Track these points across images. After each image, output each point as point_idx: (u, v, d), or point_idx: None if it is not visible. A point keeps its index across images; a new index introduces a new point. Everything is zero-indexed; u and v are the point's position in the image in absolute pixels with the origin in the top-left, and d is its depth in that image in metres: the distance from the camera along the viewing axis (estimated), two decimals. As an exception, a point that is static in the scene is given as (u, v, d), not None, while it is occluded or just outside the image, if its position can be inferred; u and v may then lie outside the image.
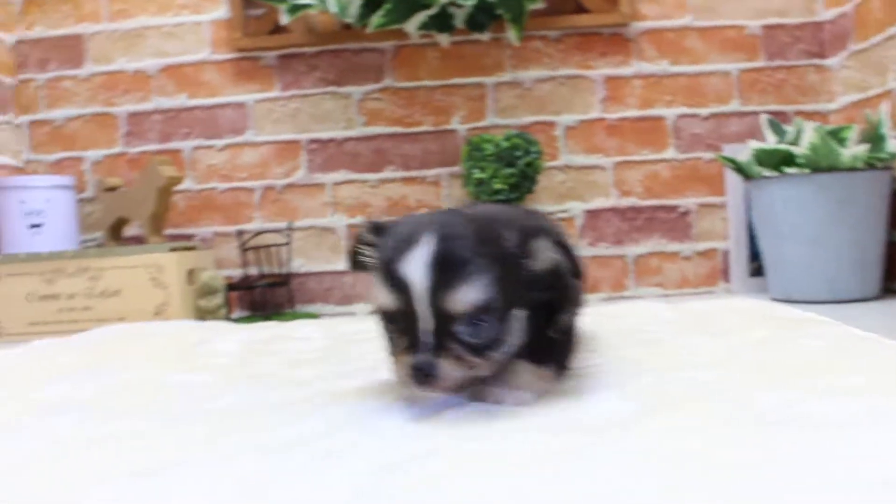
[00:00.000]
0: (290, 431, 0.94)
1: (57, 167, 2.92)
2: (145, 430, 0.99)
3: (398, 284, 0.92)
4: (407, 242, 0.94)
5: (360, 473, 0.76)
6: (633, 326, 1.73)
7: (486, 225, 0.99)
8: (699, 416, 0.92)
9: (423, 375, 0.91)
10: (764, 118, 2.50)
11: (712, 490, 0.66)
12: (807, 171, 2.29)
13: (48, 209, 2.67)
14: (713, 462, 0.73)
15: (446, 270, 0.91)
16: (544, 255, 0.99)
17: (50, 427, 1.02)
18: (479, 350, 0.94)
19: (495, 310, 0.93)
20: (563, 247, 1.00)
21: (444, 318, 0.92)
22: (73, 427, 1.02)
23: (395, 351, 0.97)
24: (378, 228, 1.04)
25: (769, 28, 2.79)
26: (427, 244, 0.92)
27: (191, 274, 2.61)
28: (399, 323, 0.95)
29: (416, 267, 0.91)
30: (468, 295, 0.91)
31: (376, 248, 1.01)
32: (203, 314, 2.57)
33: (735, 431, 0.84)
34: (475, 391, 1.04)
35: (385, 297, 0.94)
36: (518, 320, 0.98)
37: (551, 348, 1.07)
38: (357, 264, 1.07)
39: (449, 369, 0.92)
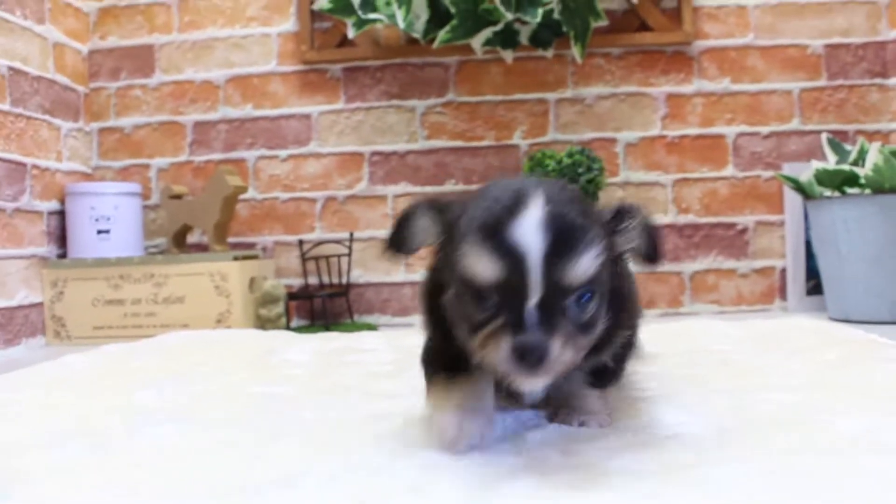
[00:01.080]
0: (390, 445, 0.97)
1: (123, 174, 3.00)
2: (246, 441, 1.03)
3: (504, 250, 0.79)
4: (511, 205, 0.82)
5: (469, 487, 0.79)
6: (701, 346, 1.75)
7: (578, 195, 0.90)
8: (778, 440, 0.94)
9: (532, 358, 0.78)
10: (824, 137, 2.51)
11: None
12: (868, 191, 2.29)
13: (115, 215, 2.74)
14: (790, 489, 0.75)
15: (565, 236, 0.80)
16: (634, 239, 0.91)
17: (155, 437, 1.07)
18: (583, 329, 0.84)
19: (600, 283, 0.84)
20: (651, 222, 0.92)
21: (556, 291, 0.80)
22: (177, 437, 1.07)
23: (487, 332, 0.82)
24: (441, 205, 0.92)
25: (832, 47, 2.78)
26: (539, 206, 0.81)
27: (252, 282, 2.67)
28: (496, 297, 0.81)
29: (531, 230, 0.79)
30: (587, 265, 0.80)
31: (446, 226, 0.90)
32: (264, 323, 2.63)
33: (816, 458, 0.86)
34: (556, 412, 1.06)
35: (483, 266, 0.80)
36: (605, 301, 0.88)
37: (610, 366, 1.00)
38: (401, 245, 0.93)
39: (560, 351, 0.79)
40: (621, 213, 0.90)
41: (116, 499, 0.78)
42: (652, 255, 0.92)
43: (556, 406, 1.07)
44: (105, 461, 0.93)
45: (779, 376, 1.37)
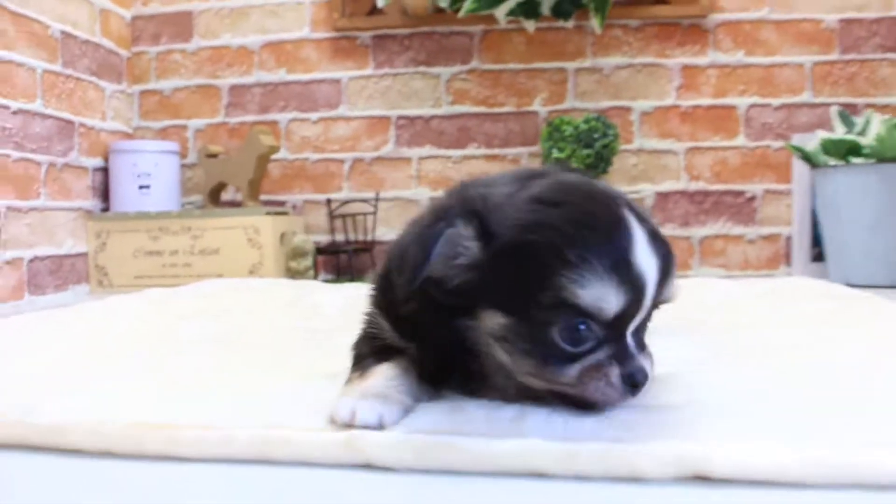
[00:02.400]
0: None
1: (162, 134, 3.16)
2: (285, 359, 1.19)
3: (632, 280, 0.74)
4: (608, 224, 0.75)
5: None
6: (702, 298, 1.89)
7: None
8: (753, 361, 1.09)
9: (641, 384, 0.77)
10: (834, 110, 2.61)
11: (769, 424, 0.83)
12: (872, 160, 2.40)
13: (155, 172, 2.91)
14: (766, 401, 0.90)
15: (668, 255, 0.79)
16: None
17: (201, 356, 1.23)
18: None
19: None
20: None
21: (650, 312, 0.80)
22: (222, 357, 1.23)
23: (590, 364, 0.76)
24: (479, 216, 0.78)
25: (846, 22, 2.88)
26: (636, 226, 0.76)
27: (283, 237, 2.82)
28: (604, 328, 0.76)
29: (649, 255, 0.75)
30: (672, 288, 0.80)
31: (487, 242, 0.77)
32: (293, 274, 2.79)
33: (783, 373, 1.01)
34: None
35: (612, 298, 0.74)
36: None
37: None
38: (424, 279, 0.77)
39: (650, 368, 0.79)
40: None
41: (169, 404, 0.92)
42: None
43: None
44: (156, 376, 1.07)
45: (772, 318, 1.52)
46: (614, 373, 0.75)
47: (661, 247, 0.77)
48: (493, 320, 0.77)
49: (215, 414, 0.84)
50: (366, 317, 0.94)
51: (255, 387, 0.98)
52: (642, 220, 0.77)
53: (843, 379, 0.97)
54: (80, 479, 0.73)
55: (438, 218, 0.78)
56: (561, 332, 0.75)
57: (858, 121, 2.54)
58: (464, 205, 0.78)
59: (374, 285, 0.94)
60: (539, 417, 0.78)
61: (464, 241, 0.77)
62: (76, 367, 1.13)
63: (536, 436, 0.73)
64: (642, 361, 0.77)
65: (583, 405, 0.78)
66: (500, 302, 0.77)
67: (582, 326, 0.75)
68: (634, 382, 0.76)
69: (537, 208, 0.76)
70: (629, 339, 0.77)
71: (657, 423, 0.77)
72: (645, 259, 0.74)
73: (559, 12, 2.76)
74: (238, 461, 0.75)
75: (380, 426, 0.75)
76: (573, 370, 0.76)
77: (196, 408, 0.88)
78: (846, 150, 2.46)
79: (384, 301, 0.91)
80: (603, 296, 0.73)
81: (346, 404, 0.77)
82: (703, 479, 0.67)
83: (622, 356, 0.76)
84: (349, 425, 0.75)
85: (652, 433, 0.74)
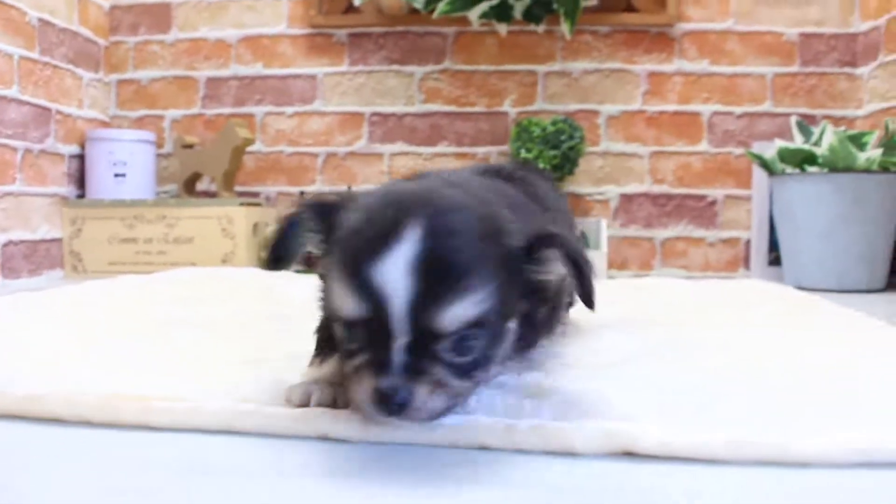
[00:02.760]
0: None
1: (139, 123, 3.20)
2: (261, 337, 1.25)
3: (368, 290, 0.73)
4: (381, 232, 0.74)
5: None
6: (659, 295, 1.97)
7: (490, 214, 0.82)
8: (696, 354, 1.17)
9: (393, 406, 0.73)
10: (794, 120, 2.71)
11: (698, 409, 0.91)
12: (825, 170, 2.50)
13: (131, 160, 2.95)
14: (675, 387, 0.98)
15: (437, 278, 0.73)
16: (557, 269, 0.83)
17: (184, 338, 1.29)
18: (465, 372, 0.77)
19: (490, 324, 0.77)
20: (577, 255, 0.82)
21: (426, 336, 0.74)
22: (205, 337, 1.29)
23: (354, 364, 0.77)
24: (325, 209, 0.84)
25: (806, 36, 2.98)
26: (414, 238, 0.73)
27: (256, 228, 2.88)
28: (362, 333, 0.76)
29: (395, 271, 0.72)
30: (463, 311, 0.74)
31: (329, 232, 0.82)
32: (265, 265, 2.83)
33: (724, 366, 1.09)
34: None
35: (346, 302, 0.75)
36: (511, 332, 0.83)
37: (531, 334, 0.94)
38: (280, 258, 0.88)
39: (427, 398, 0.74)
40: (538, 242, 0.81)
41: (143, 378, 0.98)
42: (582, 293, 0.83)
43: None
44: (131, 354, 1.14)
45: (714, 318, 1.60)
46: (368, 381, 0.74)
47: (429, 271, 0.72)
48: (327, 303, 0.84)
49: (186, 388, 0.91)
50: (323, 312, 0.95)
51: (224, 365, 1.05)
52: (433, 243, 0.73)
53: (775, 372, 1.05)
54: (57, 447, 0.79)
55: (301, 207, 0.86)
56: (334, 324, 0.82)
57: (815, 131, 2.64)
58: (315, 204, 0.85)
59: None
60: (483, 398, 0.85)
61: (310, 231, 0.85)
62: (53, 344, 1.19)
63: (480, 413, 0.81)
64: (406, 383, 0.73)
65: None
66: (326, 287, 0.83)
67: (342, 324, 0.78)
68: (383, 397, 0.73)
69: (356, 212, 0.80)
70: (398, 357, 0.73)
71: (590, 404, 0.85)
72: (390, 277, 0.72)
73: (531, 17, 2.83)
74: (206, 431, 0.82)
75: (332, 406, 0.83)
76: (349, 366, 0.78)
77: (168, 382, 0.94)
78: (801, 159, 2.55)
79: None
80: (341, 298, 0.75)
81: (298, 391, 0.86)
82: (630, 456, 0.75)
83: (381, 370, 0.73)
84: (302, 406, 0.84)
85: (585, 413, 0.81)
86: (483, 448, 0.77)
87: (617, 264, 3.00)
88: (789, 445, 0.74)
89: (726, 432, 0.76)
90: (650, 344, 1.25)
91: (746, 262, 3.01)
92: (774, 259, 2.93)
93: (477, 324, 0.75)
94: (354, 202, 0.82)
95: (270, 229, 2.83)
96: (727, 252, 3.01)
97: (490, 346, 0.78)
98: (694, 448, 0.74)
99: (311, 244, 0.85)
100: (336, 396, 0.84)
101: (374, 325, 0.73)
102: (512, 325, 0.82)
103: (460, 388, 0.77)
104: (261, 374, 0.98)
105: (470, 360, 0.77)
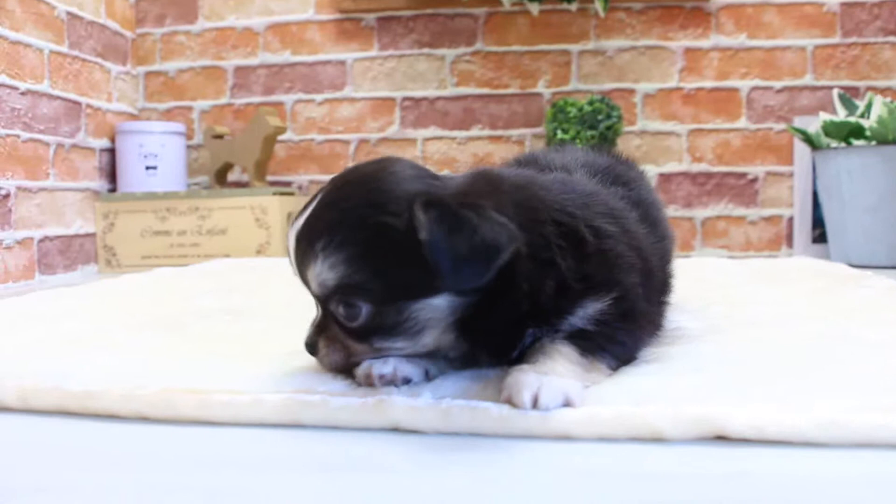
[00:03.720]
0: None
1: (168, 115, 3.17)
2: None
3: (289, 252, 0.87)
4: (305, 204, 0.87)
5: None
6: (705, 275, 1.92)
7: (382, 187, 0.82)
8: (755, 333, 1.12)
9: (309, 351, 0.89)
10: (836, 92, 2.63)
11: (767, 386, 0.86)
12: (873, 143, 2.42)
13: (162, 153, 2.93)
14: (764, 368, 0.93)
15: (307, 243, 0.82)
16: (422, 230, 0.77)
17: (219, 324, 1.26)
18: (360, 336, 0.83)
19: (368, 293, 0.79)
20: (434, 216, 0.77)
21: (316, 297, 0.85)
22: (238, 325, 1.26)
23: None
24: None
25: (847, 5, 2.90)
26: (308, 210, 0.85)
27: (290, 217, 2.84)
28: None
29: (291, 236, 0.85)
30: (322, 274, 0.80)
31: None
32: (300, 255, 2.80)
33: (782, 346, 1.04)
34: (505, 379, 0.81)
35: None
36: (427, 311, 0.81)
37: (600, 332, 0.86)
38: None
39: (325, 351, 0.87)
40: (416, 205, 0.78)
41: (197, 371, 0.95)
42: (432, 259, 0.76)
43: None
44: (180, 345, 1.11)
45: (768, 294, 1.55)
46: (309, 331, 0.88)
47: (306, 237, 0.82)
48: None
49: (243, 380, 0.87)
50: None
51: (277, 355, 1.01)
52: (315, 212, 0.83)
53: (850, 349, 1.00)
54: (115, 443, 0.76)
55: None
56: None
57: (860, 104, 2.57)
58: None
59: None
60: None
61: None
62: (100, 338, 1.16)
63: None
64: (312, 336, 0.87)
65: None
66: None
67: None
68: (305, 347, 0.88)
69: None
70: (314, 316, 0.88)
71: (669, 388, 0.80)
72: (289, 241, 0.85)
73: (563, -6, 2.78)
74: (268, 425, 0.78)
75: (394, 378, 0.83)
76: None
77: (224, 374, 0.90)
78: (848, 133, 2.48)
79: None
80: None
81: (365, 363, 0.84)
82: (721, 440, 0.70)
83: (319, 328, 0.87)
84: (371, 384, 0.82)
85: (667, 397, 0.77)
86: (565, 438, 0.72)
87: (657, 245, 2.94)
88: (891, 425, 0.69)
89: (819, 413, 0.71)
90: (713, 323, 1.20)
91: (789, 240, 2.94)
92: (818, 236, 2.86)
93: (352, 289, 0.79)
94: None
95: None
96: (769, 230, 2.95)
97: (378, 316, 0.80)
98: (786, 430, 0.70)
99: None
100: (396, 367, 0.84)
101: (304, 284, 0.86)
102: (431, 302, 0.80)
103: (357, 349, 0.83)
104: (313, 362, 0.95)
105: (358, 325, 0.81)
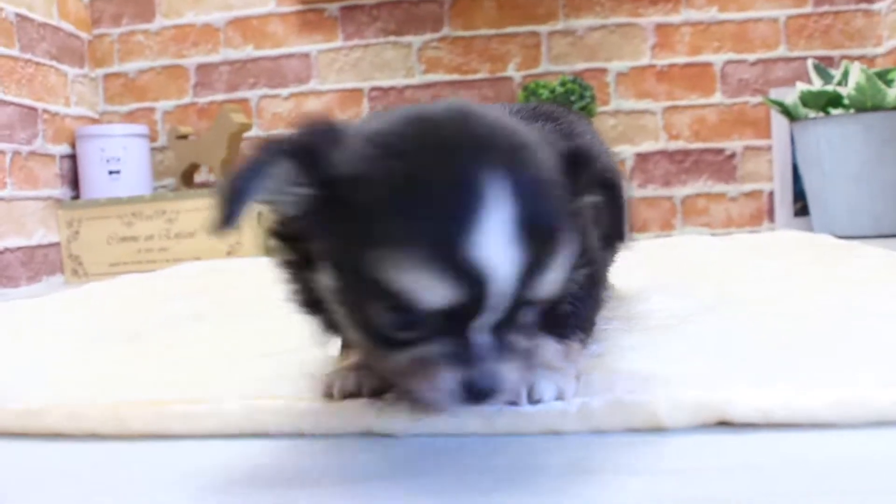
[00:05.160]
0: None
1: (130, 118, 3.08)
2: (266, 332, 1.15)
3: (463, 272, 0.56)
4: (455, 188, 0.57)
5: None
6: (688, 253, 1.86)
7: (544, 146, 0.64)
8: (749, 309, 1.06)
9: (484, 396, 0.60)
10: (810, 63, 2.59)
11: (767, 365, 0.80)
12: (851, 111, 2.38)
13: (125, 156, 2.84)
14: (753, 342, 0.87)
15: (539, 243, 0.58)
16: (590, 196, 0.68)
17: (189, 331, 1.19)
18: (528, 333, 0.65)
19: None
20: (610, 174, 0.70)
21: (519, 308, 0.61)
22: (207, 331, 1.19)
23: (417, 357, 0.61)
24: (313, 150, 0.62)
25: (817, -26, 2.86)
26: (500, 196, 0.57)
27: (260, 216, 2.76)
28: (434, 319, 0.59)
29: (498, 242, 0.56)
30: (562, 273, 0.62)
31: (322, 185, 0.62)
32: (272, 254, 2.73)
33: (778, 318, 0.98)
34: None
35: (430, 290, 0.56)
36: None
37: (573, 311, 0.76)
38: (232, 216, 0.63)
39: (514, 377, 0.62)
40: (575, 162, 0.65)
41: (152, 382, 0.89)
42: (613, 222, 0.70)
43: None
44: (137, 357, 1.03)
45: (756, 270, 1.49)
46: (445, 375, 0.59)
47: (531, 234, 0.57)
48: (326, 278, 0.63)
49: (202, 389, 0.80)
50: None
51: (241, 360, 0.94)
52: (525, 199, 0.57)
53: (850, 324, 0.94)
54: (61, 464, 0.68)
55: (268, 151, 0.63)
56: (383, 312, 0.60)
57: (835, 73, 2.52)
58: (296, 144, 0.63)
59: None
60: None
61: (289, 184, 0.62)
62: (53, 353, 1.09)
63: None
64: (496, 367, 0.60)
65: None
66: (332, 257, 0.62)
67: (396, 310, 0.59)
68: (476, 391, 0.59)
69: (375, 154, 0.60)
70: (480, 339, 0.59)
71: (665, 372, 0.74)
72: (492, 248, 0.56)
73: (530, -26, 2.71)
74: (230, 436, 0.71)
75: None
76: (402, 358, 0.61)
77: (181, 383, 0.84)
78: (826, 102, 2.44)
79: None
80: (420, 285, 0.56)
81: (329, 377, 0.74)
82: (725, 426, 0.64)
83: (465, 357, 0.59)
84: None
85: (665, 382, 0.70)
86: (554, 433, 0.66)
87: (637, 227, 2.88)
88: None
89: (832, 391, 0.65)
90: (705, 302, 1.14)
91: (771, 214, 2.89)
92: (800, 209, 2.82)
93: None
94: (358, 139, 0.62)
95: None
96: (750, 206, 2.90)
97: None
98: (795, 412, 0.64)
99: (282, 201, 0.64)
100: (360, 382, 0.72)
101: (460, 312, 0.58)
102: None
103: (533, 353, 0.67)
104: (283, 366, 0.88)
105: (534, 321, 0.65)
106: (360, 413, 0.68)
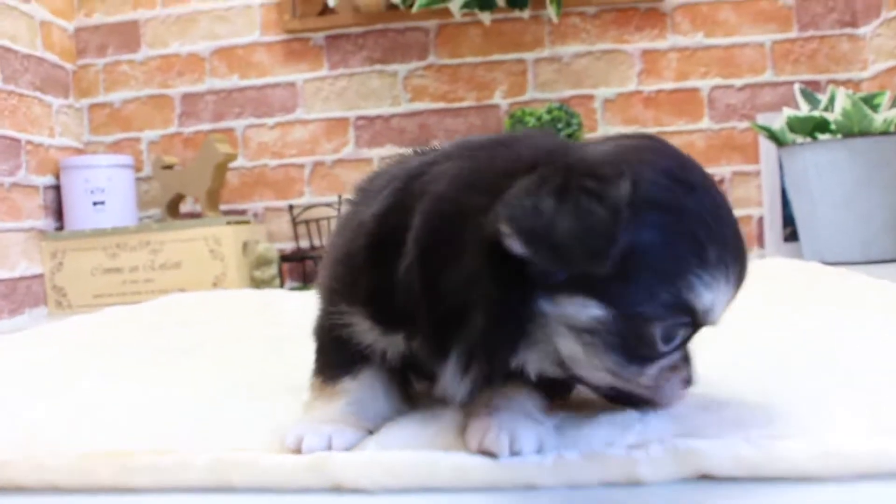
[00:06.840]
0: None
1: (115, 147, 3.06)
2: (247, 373, 1.13)
3: (736, 276, 0.67)
4: (732, 222, 0.69)
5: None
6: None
7: None
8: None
9: (690, 384, 0.72)
10: (797, 88, 2.58)
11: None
12: (839, 136, 2.37)
13: (109, 187, 2.82)
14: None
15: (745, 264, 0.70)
16: None
17: (177, 366, 1.17)
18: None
19: None
20: None
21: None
22: (195, 366, 1.17)
23: (668, 365, 0.69)
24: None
25: (802, -1, 2.86)
26: (724, 205, 0.69)
27: (245, 246, 2.74)
28: (694, 330, 0.69)
29: (744, 257, 0.69)
30: None
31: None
32: (258, 284, 2.71)
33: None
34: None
35: (721, 302, 0.66)
36: None
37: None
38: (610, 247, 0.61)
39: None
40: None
41: (120, 430, 0.86)
42: None
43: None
44: (107, 400, 1.00)
45: (753, 300, 1.47)
46: (682, 374, 0.71)
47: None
48: (581, 309, 0.64)
49: (171, 438, 0.77)
50: (327, 320, 0.80)
51: (214, 406, 0.91)
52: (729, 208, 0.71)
53: (842, 360, 0.92)
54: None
55: (602, 178, 0.61)
56: (663, 331, 0.66)
57: (822, 97, 2.52)
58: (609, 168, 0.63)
59: (334, 279, 0.80)
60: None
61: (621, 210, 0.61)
62: (21, 395, 1.05)
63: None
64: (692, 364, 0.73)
65: (637, 403, 0.72)
66: (599, 290, 0.63)
67: (685, 328, 0.67)
68: (692, 383, 0.72)
69: (673, 187, 0.64)
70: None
71: (646, 421, 0.72)
72: (742, 264, 0.68)
73: (515, 2, 2.71)
74: (196, 490, 0.69)
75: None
76: (653, 369, 0.68)
77: (152, 431, 0.81)
78: (813, 127, 2.43)
79: (356, 289, 0.76)
80: (719, 300, 0.66)
81: (295, 433, 0.70)
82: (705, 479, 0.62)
83: (686, 358, 0.71)
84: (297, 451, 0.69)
85: (642, 432, 0.68)
86: (529, 487, 0.63)
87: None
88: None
89: (812, 443, 0.62)
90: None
91: (760, 240, 2.88)
92: (790, 234, 2.81)
93: None
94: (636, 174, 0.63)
95: (263, 247, 2.70)
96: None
97: None
98: (777, 464, 0.61)
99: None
100: (331, 438, 0.70)
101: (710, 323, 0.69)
102: None
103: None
104: (257, 414, 0.85)
105: None
106: (329, 468, 0.66)
